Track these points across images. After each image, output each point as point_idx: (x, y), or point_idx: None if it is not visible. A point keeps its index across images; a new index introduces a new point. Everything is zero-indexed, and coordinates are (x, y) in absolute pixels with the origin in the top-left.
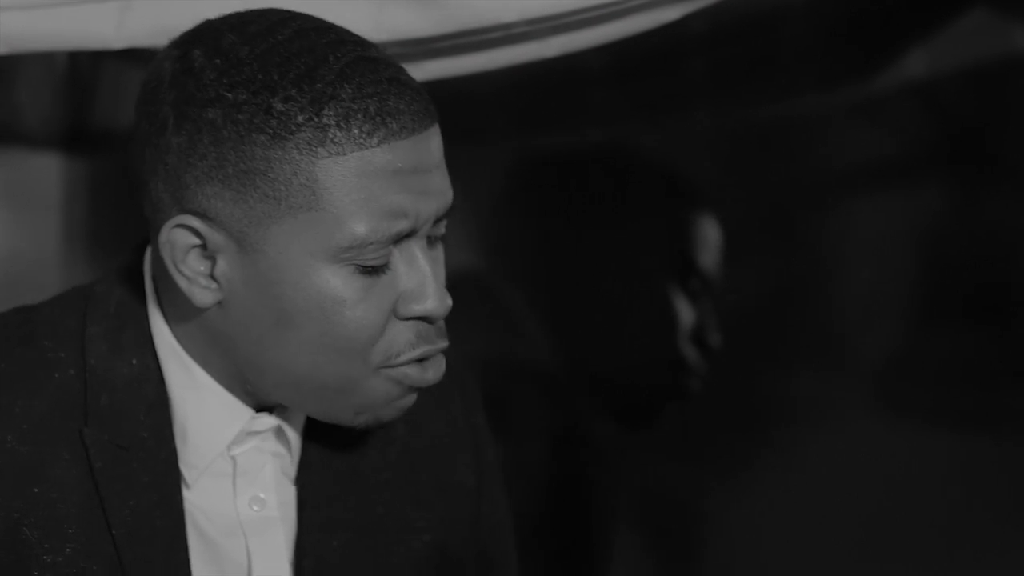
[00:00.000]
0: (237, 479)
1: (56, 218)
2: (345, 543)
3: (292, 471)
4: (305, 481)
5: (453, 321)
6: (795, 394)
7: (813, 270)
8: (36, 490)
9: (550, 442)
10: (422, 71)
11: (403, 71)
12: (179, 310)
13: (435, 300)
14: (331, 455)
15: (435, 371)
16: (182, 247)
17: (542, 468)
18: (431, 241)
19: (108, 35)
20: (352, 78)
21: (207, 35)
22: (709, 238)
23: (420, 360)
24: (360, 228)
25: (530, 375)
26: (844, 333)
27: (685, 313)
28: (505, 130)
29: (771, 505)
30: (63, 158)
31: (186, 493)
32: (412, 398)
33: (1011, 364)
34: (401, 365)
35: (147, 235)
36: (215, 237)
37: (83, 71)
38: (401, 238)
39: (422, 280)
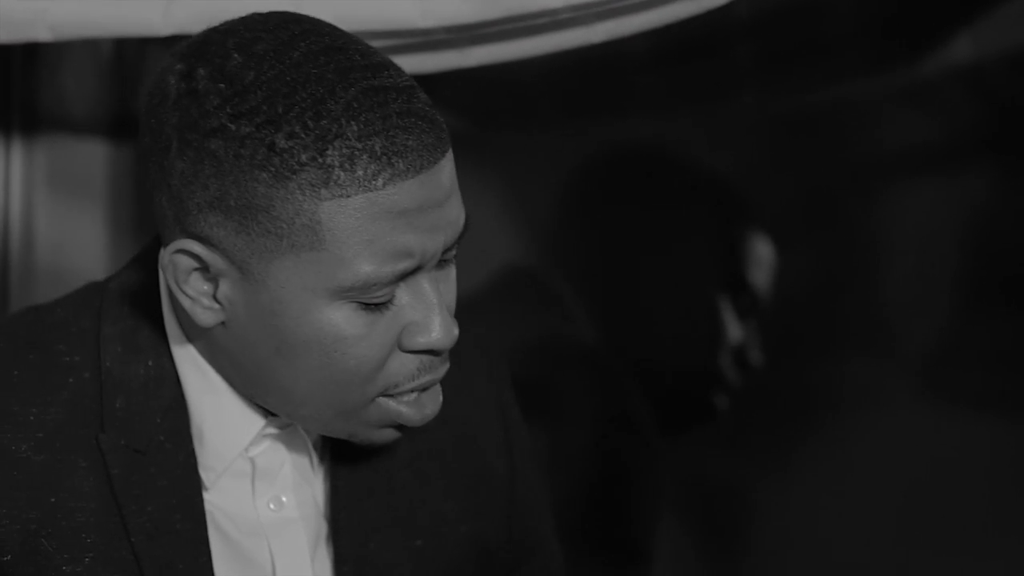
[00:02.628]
0: (256, 481)
1: (102, 206)
2: (381, 544)
3: (312, 471)
4: (336, 483)
5: (507, 304)
6: (842, 381)
7: (858, 257)
8: (53, 500)
9: (596, 428)
10: (468, 57)
11: (415, 97)
12: (189, 318)
13: (440, 332)
14: (359, 453)
15: (432, 406)
16: (184, 269)
17: (586, 453)
18: (442, 264)
19: (155, 22)
20: (359, 113)
21: (213, 52)
22: (764, 258)
23: (420, 390)
24: (364, 269)
25: (579, 361)
26: (891, 320)
27: (732, 329)
28: (550, 116)
29: (818, 492)
30: (109, 146)
31: (205, 495)
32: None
33: None
34: (400, 395)
35: None
36: (217, 263)
37: (129, 59)
38: (408, 274)
39: (428, 312)
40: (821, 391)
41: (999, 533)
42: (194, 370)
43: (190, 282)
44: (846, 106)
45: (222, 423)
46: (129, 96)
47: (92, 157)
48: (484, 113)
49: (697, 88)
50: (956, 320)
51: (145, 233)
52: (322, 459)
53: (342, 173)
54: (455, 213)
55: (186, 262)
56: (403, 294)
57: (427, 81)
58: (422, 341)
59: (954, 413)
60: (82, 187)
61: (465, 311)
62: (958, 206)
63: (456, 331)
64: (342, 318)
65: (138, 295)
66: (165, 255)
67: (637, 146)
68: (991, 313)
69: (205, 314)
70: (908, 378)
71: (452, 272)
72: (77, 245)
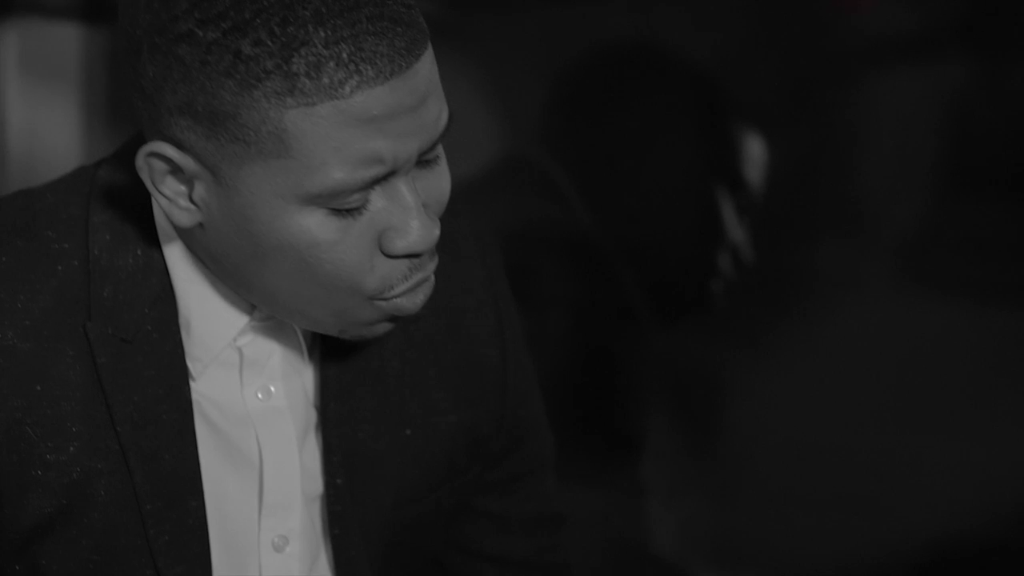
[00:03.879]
0: (244, 370)
1: (75, 89)
2: (370, 433)
3: (302, 361)
4: (326, 372)
5: (502, 188)
6: (820, 266)
7: (838, 142)
8: (38, 388)
9: (590, 314)
10: None
11: None
12: None
13: (418, 234)
14: (350, 343)
15: (425, 293)
16: (159, 171)
17: (579, 340)
18: (426, 163)
19: None
20: (327, 19)
21: None
22: (758, 157)
23: (415, 286)
24: (333, 176)
25: (574, 247)
26: (869, 205)
27: (730, 225)
28: None
29: (795, 377)
30: (81, 29)
31: (192, 385)
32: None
33: None
34: (395, 297)
35: None
36: (191, 166)
37: None
38: (380, 179)
39: (405, 216)
40: (798, 275)
41: (976, 415)
42: (182, 261)
43: (166, 183)
44: None
45: (209, 314)
46: None
47: (65, 40)
48: None
49: None
50: (934, 205)
51: (119, 116)
52: (312, 349)
53: (307, 81)
54: (432, 116)
55: (160, 164)
56: (378, 198)
57: None
58: (401, 245)
59: (932, 297)
60: (55, 70)
61: (459, 197)
62: (937, 91)
63: (437, 231)
64: (314, 223)
65: (127, 185)
66: (140, 157)
67: (625, 39)
68: (969, 199)
69: (182, 215)
70: (885, 262)
71: (438, 169)
72: (50, 128)
